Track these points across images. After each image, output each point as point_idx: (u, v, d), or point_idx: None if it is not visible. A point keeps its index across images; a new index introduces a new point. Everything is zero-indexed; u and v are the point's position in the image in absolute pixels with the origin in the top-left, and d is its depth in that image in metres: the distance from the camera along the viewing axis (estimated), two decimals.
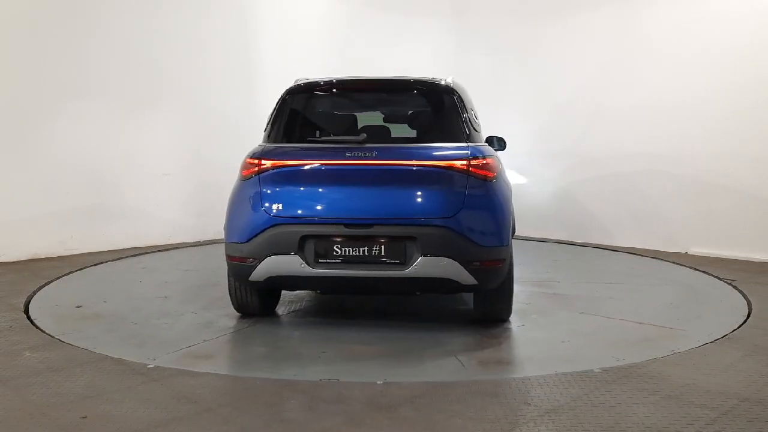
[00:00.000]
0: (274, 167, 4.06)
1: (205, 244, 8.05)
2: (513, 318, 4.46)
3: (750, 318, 4.45)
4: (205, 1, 8.30)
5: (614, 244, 7.76)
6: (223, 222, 4.26)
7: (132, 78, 7.59)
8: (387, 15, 9.70)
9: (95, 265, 6.51)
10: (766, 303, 4.83)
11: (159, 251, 7.46)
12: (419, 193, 3.96)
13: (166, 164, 7.94)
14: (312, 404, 2.97)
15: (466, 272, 3.84)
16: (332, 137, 4.50)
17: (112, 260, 6.79)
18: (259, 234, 3.95)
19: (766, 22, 6.62)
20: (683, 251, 7.21)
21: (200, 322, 4.40)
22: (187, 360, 3.60)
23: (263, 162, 4.09)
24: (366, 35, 9.48)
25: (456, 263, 3.82)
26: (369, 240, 3.89)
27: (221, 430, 2.69)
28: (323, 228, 3.93)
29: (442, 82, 4.54)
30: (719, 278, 5.76)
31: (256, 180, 4.06)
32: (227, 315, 4.52)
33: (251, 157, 4.20)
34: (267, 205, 3.98)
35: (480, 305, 4.33)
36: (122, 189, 7.58)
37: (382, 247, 3.89)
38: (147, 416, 2.82)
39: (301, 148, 4.34)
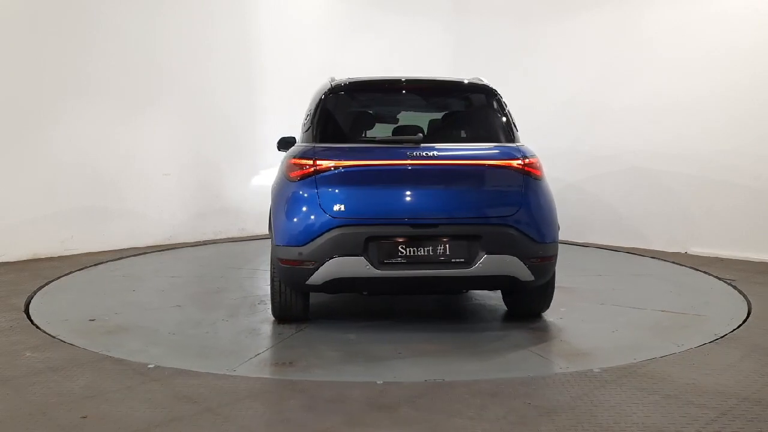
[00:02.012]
0: (333, 168, 3.95)
1: (206, 244, 8.06)
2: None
3: (750, 318, 4.45)
4: (206, 2, 8.30)
5: (614, 244, 7.76)
6: (270, 225, 4.20)
7: (132, 78, 7.59)
8: (387, 14, 9.71)
9: (95, 265, 6.51)
10: (766, 303, 4.83)
11: (158, 251, 7.46)
12: (481, 192, 4.06)
13: (166, 164, 7.94)
14: (312, 404, 2.97)
15: (526, 268, 3.92)
16: (388, 137, 4.44)
17: (112, 260, 6.80)
18: (319, 236, 3.84)
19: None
20: (683, 251, 7.22)
21: (241, 329, 4.24)
22: (271, 368, 3.51)
23: (319, 162, 3.97)
24: (366, 35, 9.49)
25: (518, 260, 3.90)
26: (433, 240, 3.89)
27: (221, 430, 2.69)
28: (389, 229, 3.89)
29: (478, 82, 4.61)
30: (719, 278, 5.77)
31: (312, 181, 3.94)
32: (262, 321, 4.43)
33: (302, 158, 4.06)
34: (327, 206, 3.87)
35: (522, 300, 4.45)
36: (122, 189, 7.58)
37: (447, 246, 3.89)
38: (147, 416, 2.82)
39: (358, 147, 4.25)
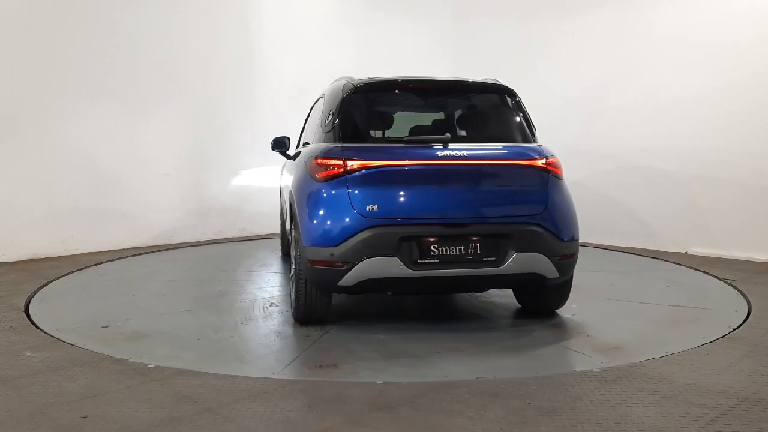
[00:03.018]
0: (363, 168, 3.93)
1: (206, 244, 8.06)
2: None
3: (750, 318, 4.45)
4: (209, 4, 8.31)
5: (614, 244, 7.76)
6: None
7: (133, 78, 7.59)
8: (387, 15, 9.72)
9: (95, 265, 6.51)
10: (766, 303, 4.83)
11: (159, 251, 7.47)
12: (510, 191, 4.13)
13: (166, 164, 7.94)
14: (312, 404, 2.98)
15: (553, 266, 4.01)
16: (416, 137, 4.39)
17: (111, 260, 6.80)
18: (352, 237, 3.81)
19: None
20: (683, 251, 7.22)
21: (266, 332, 4.18)
22: (316, 371, 3.45)
23: (349, 162, 3.94)
24: (366, 35, 9.50)
25: (545, 258, 3.98)
26: (464, 239, 3.92)
27: (221, 430, 2.69)
28: (422, 228, 3.90)
29: (497, 83, 4.65)
30: (719, 278, 5.76)
31: (342, 181, 3.92)
32: (282, 323, 4.37)
33: (330, 158, 4.02)
34: (360, 206, 3.86)
35: (541, 297, 4.51)
36: (122, 189, 7.58)
37: (478, 245, 3.93)
38: (147, 416, 2.82)
39: (388, 147, 4.22)
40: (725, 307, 4.75)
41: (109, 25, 7.38)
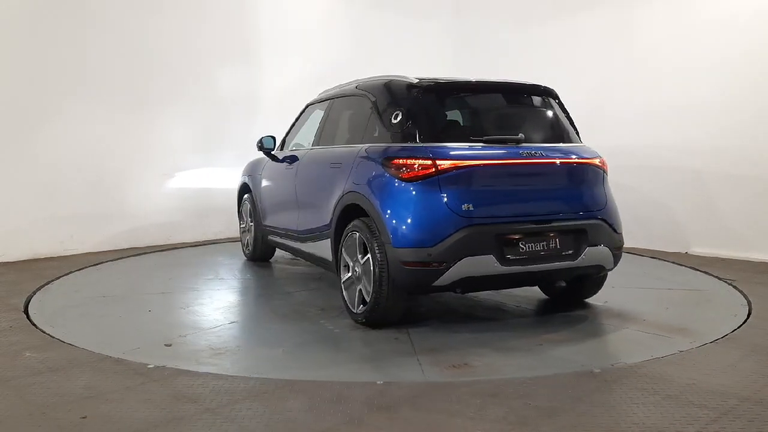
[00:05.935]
0: (455, 167, 3.95)
1: (206, 244, 8.05)
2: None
3: (750, 318, 4.45)
4: (206, 3, 8.30)
5: None
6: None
7: (132, 78, 7.58)
8: (387, 15, 9.71)
9: (94, 265, 6.51)
10: (766, 303, 4.83)
11: (159, 251, 7.46)
12: (582, 188, 4.37)
13: (164, 164, 7.94)
14: (312, 404, 2.97)
15: (612, 257, 4.37)
16: (493, 136, 4.30)
17: (112, 260, 6.80)
18: (449, 236, 3.84)
19: None
20: (683, 251, 7.21)
21: (350, 338, 4.05)
22: (452, 371, 3.40)
23: (439, 162, 3.93)
24: (366, 35, 9.49)
25: (608, 250, 4.32)
26: (547, 235, 4.12)
27: (221, 430, 2.69)
28: (513, 226, 4.04)
29: (544, 85, 4.81)
30: (720, 278, 5.76)
31: (435, 181, 3.91)
32: (352, 327, 4.24)
33: (416, 158, 3.97)
34: (455, 206, 3.89)
35: (583, 287, 4.75)
36: (122, 189, 7.58)
37: (557, 240, 4.13)
38: (147, 416, 2.82)
39: (474, 146, 4.16)
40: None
41: (110, 27, 7.37)
